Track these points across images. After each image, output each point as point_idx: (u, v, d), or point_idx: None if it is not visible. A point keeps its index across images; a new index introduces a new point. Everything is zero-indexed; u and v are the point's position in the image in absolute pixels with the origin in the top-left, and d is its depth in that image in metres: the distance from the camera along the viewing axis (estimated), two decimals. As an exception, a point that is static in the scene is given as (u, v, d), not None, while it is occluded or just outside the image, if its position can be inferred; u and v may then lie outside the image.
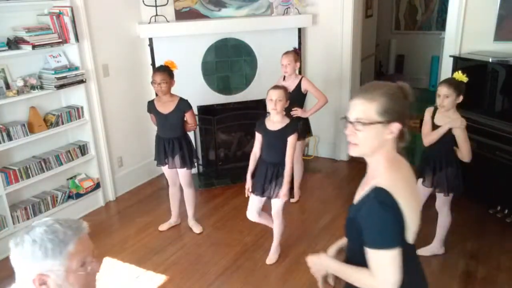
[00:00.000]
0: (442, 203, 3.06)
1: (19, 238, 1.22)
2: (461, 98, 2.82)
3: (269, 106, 2.93)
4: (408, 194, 1.37)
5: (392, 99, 1.36)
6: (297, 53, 3.85)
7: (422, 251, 3.19)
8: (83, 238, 1.27)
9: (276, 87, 2.97)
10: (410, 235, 1.40)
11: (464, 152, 2.83)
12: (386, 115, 1.35)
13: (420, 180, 3.10)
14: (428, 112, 2.98)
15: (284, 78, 3.83)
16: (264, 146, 3.03)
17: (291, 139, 2.92)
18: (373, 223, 1.35)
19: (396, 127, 1.37)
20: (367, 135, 1.37)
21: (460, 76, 2.82)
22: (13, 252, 1.22)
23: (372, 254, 1.36)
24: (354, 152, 1.43)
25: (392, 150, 1.42)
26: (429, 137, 2.94)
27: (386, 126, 1.37)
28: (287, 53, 3.73)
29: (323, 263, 1.57)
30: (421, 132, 3.02)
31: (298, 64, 3.78)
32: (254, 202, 3.13)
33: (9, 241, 1.25)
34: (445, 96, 2.81)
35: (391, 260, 1.34)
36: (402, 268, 1.35)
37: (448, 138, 2.85)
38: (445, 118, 2.87)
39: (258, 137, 3.05)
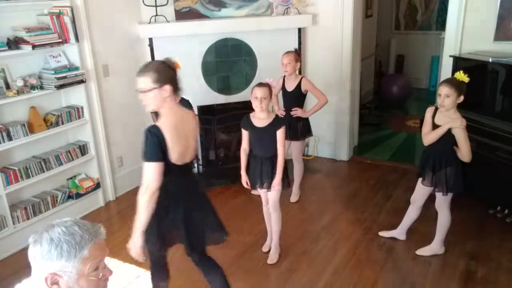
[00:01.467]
0: (441, 202, 3.05)
1: (38, 235, 1.23)
2: (462, 98, 2.81)
3: (254, 104, 2.89)
4: (173, 130, 2.07)
5: (159, 71, 2.08)
6: (298, 54, 3.85)
7: (422, 251, 3.20)
8: (99, 243, 1.28)
9: (260, 84, 2.92)
10: (174, 157, 2.09)
11: (464, 152, 2.83)
12: (158, 82, 2.06)
13: (420, 179, 3.11)
14: (429, 112, 2.98)
15: (284, 78, 3.83)
16: (255, 143, 3.03)
17: (280, 133, 2.92)
18: (143, 143, 2.08)
19: (167, 88, 2.08)
20: (151, 97, 2.08)
21: (461, 76, 2.81)
22: (31, 248, 1.24)
23: (143, 165, 2.06)
24: (147, 110, 2.17)
25: (172, 103, 2.12)
26: (428, 137, 2.93)
27: (161, 89, 2.07)
28: (287, 52, 3.73)
29: (133, 240, 2.10)
30: (421, 132, 3.02)
31: (298, 64, 3.78)
32: (264, 197, 3.19)
33: (29, 235, 1.26)
34: (446, 96, 2.80)
35: (150, 169, 2.06)
36: (166, 178, 2.07)
37: (448, 138, 2.85)
38: (445, 118, 2.87)
39: (245, 134, 3.04)
